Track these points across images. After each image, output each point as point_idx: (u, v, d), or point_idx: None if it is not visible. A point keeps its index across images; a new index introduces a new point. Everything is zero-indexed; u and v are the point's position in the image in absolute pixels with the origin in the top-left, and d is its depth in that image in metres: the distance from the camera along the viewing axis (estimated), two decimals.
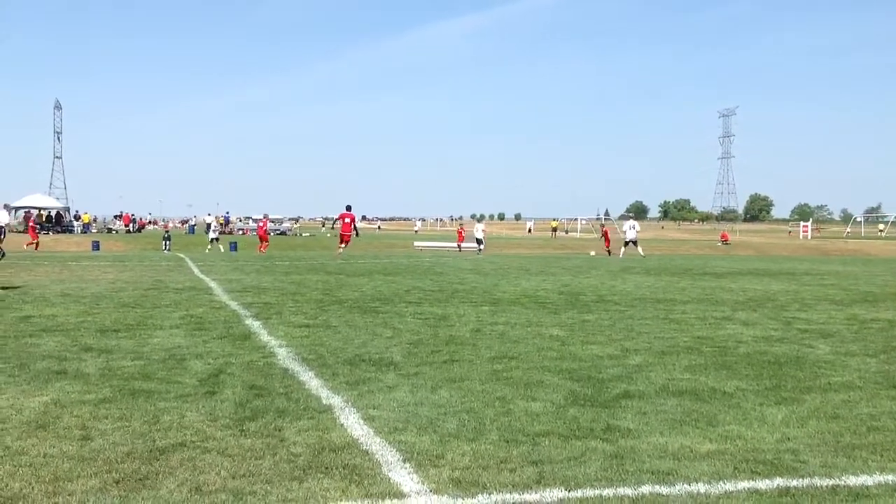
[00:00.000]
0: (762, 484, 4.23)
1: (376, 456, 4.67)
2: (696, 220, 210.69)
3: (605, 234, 43.81)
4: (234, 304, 12.56)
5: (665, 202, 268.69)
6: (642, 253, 36.54)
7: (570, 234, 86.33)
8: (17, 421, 5.37)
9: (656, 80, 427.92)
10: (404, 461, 4.57)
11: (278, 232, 70.90)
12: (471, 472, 4.38)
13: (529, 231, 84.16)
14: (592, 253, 40.62)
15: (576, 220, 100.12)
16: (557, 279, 19.54)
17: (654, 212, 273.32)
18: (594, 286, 17.46)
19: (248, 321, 10.54)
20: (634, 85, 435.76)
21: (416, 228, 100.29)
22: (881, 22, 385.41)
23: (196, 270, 21.00)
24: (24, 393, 6.19)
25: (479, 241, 40.72)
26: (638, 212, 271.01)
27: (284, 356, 7.91)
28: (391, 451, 4.76)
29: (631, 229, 37.86)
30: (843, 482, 4.27)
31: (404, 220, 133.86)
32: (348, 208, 32.51)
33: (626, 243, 37.04)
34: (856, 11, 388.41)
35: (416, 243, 48.87)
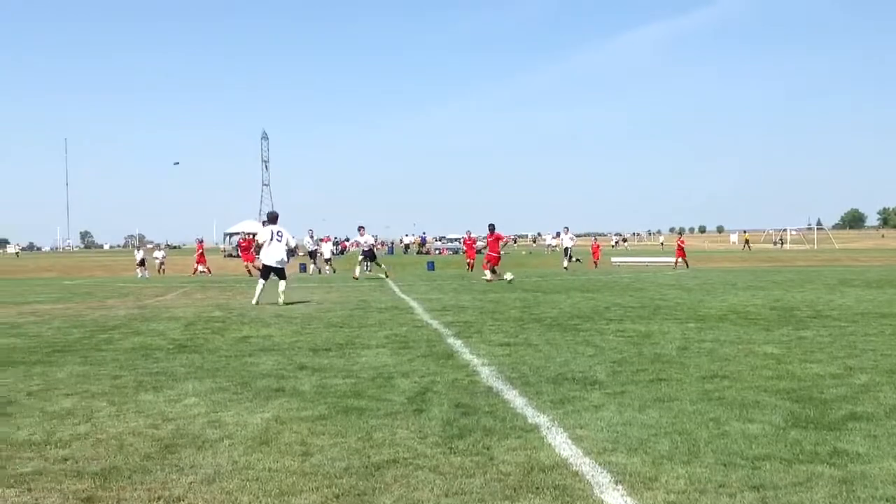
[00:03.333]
0: None
1: (587, 477, 4.55)
2: None
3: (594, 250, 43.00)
4: (435, 323, 12.77)
5: (885, 209, 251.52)
6: (566, 265, 36.20)
7: (776, 245, 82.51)
8: (242, 436, 5.64)
9: (868, 78, 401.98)
10: (616, 483, 4.44)
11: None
12: (687, 496, 4.19)
13: (747, 244, 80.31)
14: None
15: (784, 230, 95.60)
16: (768, 293, 18.66)
17: (873, 219, 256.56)
18: (809, 301, 16.53)
19: (450, 340, 10.67)
20: (849, 82, 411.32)
21: (612, 244, 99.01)
22: None
23: (397, 290, 21.59)
24: (247, 410, 6.51)
25: (566, 253, 38.21)
26: (854, 220, 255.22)
27: (488, 375, 7.92)
28: (602, 473, 4.63)
29: (569, 240, 38.32)
30: None
31: (599, 235, 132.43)
32: (492, 228, 27.50)
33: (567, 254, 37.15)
34: None
35: (613, 259, 48.15)
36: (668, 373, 7.92)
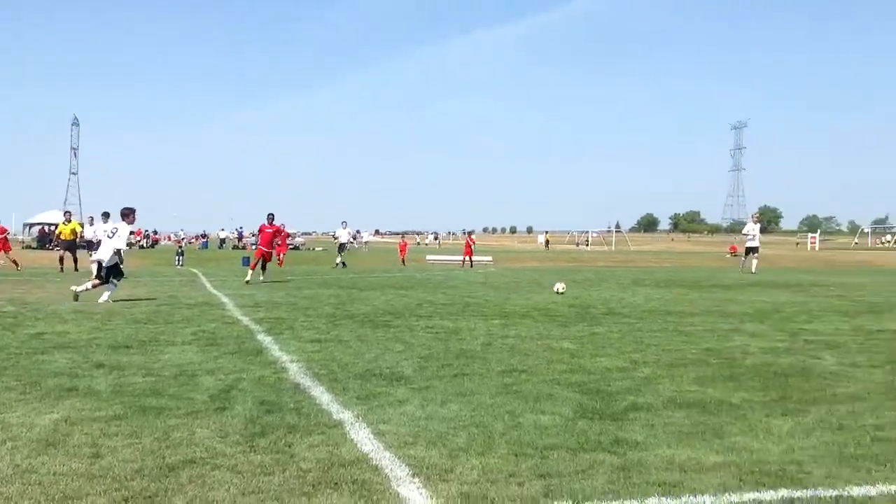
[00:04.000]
0: (767, 495, 4.28)
1: (386, 471, 4.72)
2: (705, 233, 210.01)
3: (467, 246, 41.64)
4: (246, 320, 12.63)
5: (675, 214, 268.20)
6: (338, 262, 36.19)
7: (579, 246, 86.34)
8: (27, 439, 5.42)
9: (668, 92, 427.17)
10: (413, 476, 4.62)
11: (291, 247, 71.23)
12: (479, 487, 4.43)
13: (547, 244, 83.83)
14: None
15: (587, 232, 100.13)
16: (567, 292, 19.56)
17: (665, 224, 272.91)
18: (604, 298, 17.50)
19: (260, 336, 10.61)
20: (645, 97, 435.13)
21: (426, 242, 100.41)
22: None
23: (209, 286, 21.12)
24: (34, 410, 6.23)
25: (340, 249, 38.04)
26: (648, 224, 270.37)
27: (296, 371, 7.96)
28: (401, 466, 4.80)
29: (346, 235, 39.37)
30: (846, 493, 4.31)
31: (417, 233, 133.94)
32: (271, 218, 24.04)
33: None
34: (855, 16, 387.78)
35: (428, 257, 48.95)
36: (471, 367, 8.23)
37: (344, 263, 35.83)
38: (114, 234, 16.59)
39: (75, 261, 29.53)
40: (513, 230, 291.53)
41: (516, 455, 5.04)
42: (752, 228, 31.33)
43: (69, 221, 30.95)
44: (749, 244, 31.11)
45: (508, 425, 5.81)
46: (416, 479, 4.56)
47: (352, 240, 39.21)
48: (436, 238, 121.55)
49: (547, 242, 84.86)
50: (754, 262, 30.51)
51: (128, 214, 16.81)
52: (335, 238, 43.37)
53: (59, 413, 6.14)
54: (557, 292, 18.52)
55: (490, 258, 46.96)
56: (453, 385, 7.29)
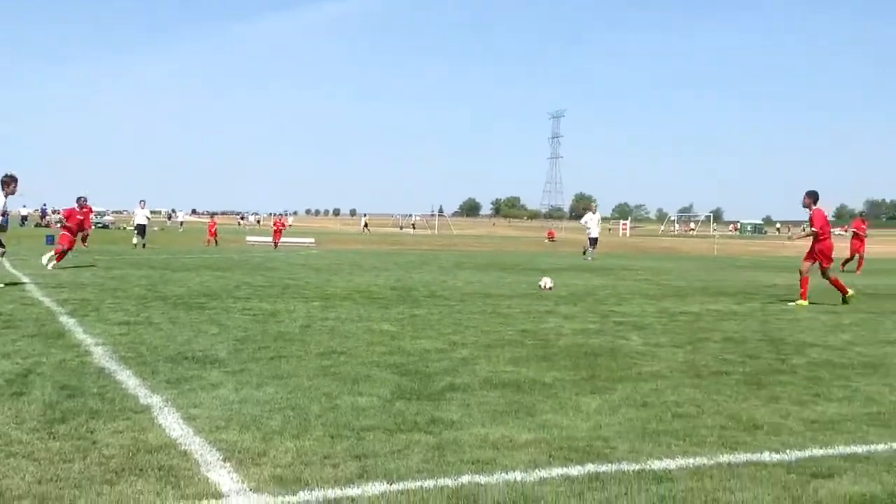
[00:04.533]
0: (574, 470, 4.41)
1: (195, 456, 4.54)
2: (525, 218, 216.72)
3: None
4: (47, 301, 11.92)
5: (497, 200, 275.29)
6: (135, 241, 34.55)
7: (404, 229, 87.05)
8: None
9: (490, 80, 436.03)
10: (224, 460, 4.47)
11: (99, 225, 68.01)
12: (293, 469, 4.34)
13: (366, 227, 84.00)
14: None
15: (410, 216, 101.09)
16: (390, 274, 19.67)
17: (487, 208, 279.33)
18: (426, 281, 17.68)
19: (63, 318, 10.04)
20: (470, 84, 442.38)
21: (245, 223, 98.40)
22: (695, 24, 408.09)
23: (7, 265, 19.77)
24: None
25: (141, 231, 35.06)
26: (471, 208, 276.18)
27: (100, 355, 7.57)
28: (211, 451, 4.64)
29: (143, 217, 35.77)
30: (648, 466, 4.51)
31: (237, 214, 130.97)
32: (82, 202, 24.35)
33: None
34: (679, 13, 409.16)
35: (248, 238, 47.92)
36: (289, 350, 8.10)
37: (143, 244, 34.02)
38: None
39: None
40: (336, 212, 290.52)
41: (332, 437, 4.98)
42: (591, 219, 31.96)
43: None
44: (591, 235, 31.87)
45: (325, 407, 5.74)
46: (228, 464, 4.42)
47: (147, 219, 36.28)
48: (257, 220, 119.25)
49: (366, 225, 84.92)
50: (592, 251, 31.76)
51: (8, 183, 14.23)
52: (132, 218, 41.14)
53: None
54: (544, 288, 15.94)
55: (312, 240, 46.56)
56: (270, 368, 7.15)
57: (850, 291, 14.36)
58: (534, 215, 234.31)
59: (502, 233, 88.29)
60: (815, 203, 14.30)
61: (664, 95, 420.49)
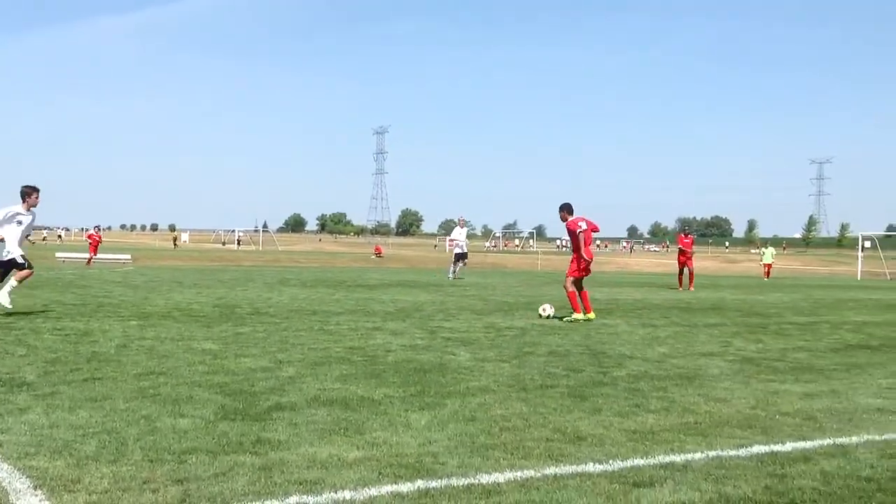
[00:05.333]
0: (404, 487, 4.40)
1: (3, 484, 4.26)
2: (352, 234, 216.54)
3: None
4: None
5: (322, 215, 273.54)
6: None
7: (227, 245, 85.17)
8: None
9: (313, 94, 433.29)
10: (35, 488, 4.21)
11: None
12: (110, 496, 4.12)
13: (175, 242, 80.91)
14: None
15: (234, 231, 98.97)
16: (213, 291, 19.15)
17: (312, 224, 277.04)
18: (251, 298, 17.32)
19: None
20: (289, 96, 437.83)
21: (43, 238, 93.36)
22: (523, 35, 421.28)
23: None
24: None
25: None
26: (296, 224, 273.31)
27: None
28: (20, 478, 4.35)
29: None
30: (477, 480, 4.55)
31: (45, 228, 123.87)
32: None
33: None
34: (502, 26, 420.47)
35: (58, 254, 45.41)
36: (104, 371, 7.73)
37: None
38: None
39: None
40: (154, 227, 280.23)
41: (151, 461, 4.77)
42: (460, 233, 29.64)
43: None
44: (457, 251, 29.30)
45: (144, 430, 5.50)
46: (39, 492, 4.15)
47: None
48: (64, 234, 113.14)
49: (175, 241, 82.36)
50: (460, 266, 29.26)
51: (29, 194, 12.98)
52: None
53: None
54: (543, 316, 14.45)
55: (129, 256, 44.69)
56: (83, 390, 6.79)
57: (580, 316, 13.88)
58: (360, 231, 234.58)
59: (329, 248, 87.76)
60: (570, 214, 14.51)
61: (488, 111, 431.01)
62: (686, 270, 27.17)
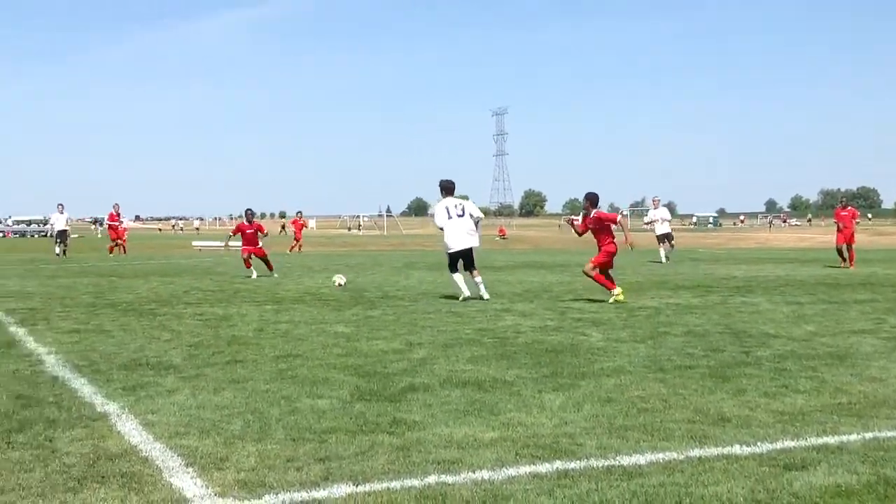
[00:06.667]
0: (542, 467, 4.40)
1: (157, 462, 4.47)
2: None
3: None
4: None
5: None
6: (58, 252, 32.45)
7: (352, 231, 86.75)
8: None
9: (428, 78, 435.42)
10: (186, 466, 4.41)
11: (42, 234, 66.78)
12: (257, 473, 4.29)
13: (283, 229, 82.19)
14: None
15: (358, 216, 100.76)
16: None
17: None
18: (378, 282, 17.63)
19: (12, 328, 9.85)
20: (407, 82, 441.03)
21: (180, 228, 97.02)
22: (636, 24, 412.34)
23: None
24: None
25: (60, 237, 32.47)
26: (419, 208, 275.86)
27: (53, 363, 7.44)
28: (172, 457, 4.57)
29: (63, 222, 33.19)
30: (617, 462, 4.49)
31: (181, 219, 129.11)
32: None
33: None
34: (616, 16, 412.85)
35: (194, 243, 47.29)
36: (244, 354, 8.02)
37: (65, 252, 31.86)
38: None
39: None
40: (282, 215, 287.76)
41: (294, 440, 4.93)
42: (657, 213, 27.59)
43: None
44: (659, 231, 27.00)
45: (285, 410, 5.69)
46: (190, 469, 4.35)
47: (68, 225, 33.35)
48: (200, 224, 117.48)
49: (283, 227, 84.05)
50: (662, 250, 26.67)
51: None
52: (51, 224, 37.52)
53: None
54: (337, 285, 16.26)
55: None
56: (226, 372, 7.08)
57: (618, 291, 13.31)
58: (484, 213, 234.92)
59: None
60: (594, 206, 13.91)
61: (610, 88, 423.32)
62: (846, 247, 23.52)
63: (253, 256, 19.74)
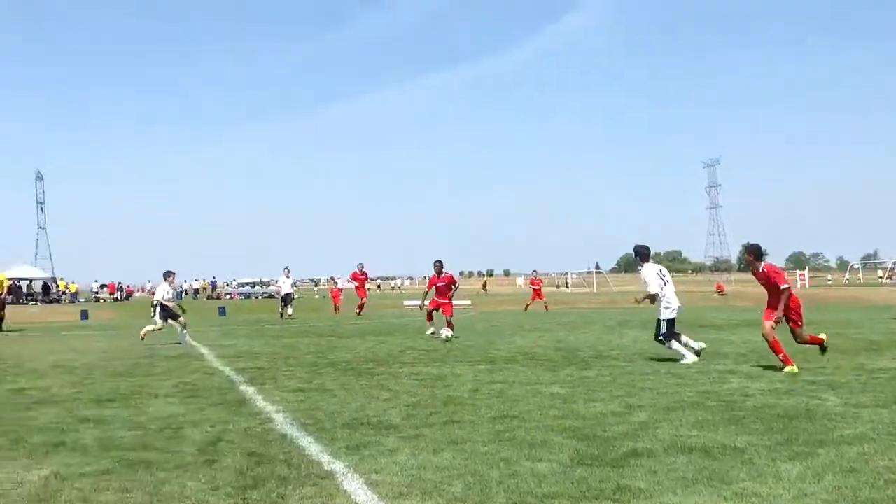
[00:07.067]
0: None
1: None
2: (689, 272, 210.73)
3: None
4: (227, 370, 12.40)
5: (656, 254, 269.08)
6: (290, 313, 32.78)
7: (560, 288, 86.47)
8: (18, 495, 5.24)
9: (637, 131, 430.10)
10: None
11: (266, 295, 71.04)
12: None
13: (485, 287, 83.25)
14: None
15: (566, 274, 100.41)
16: (553, 335, 19.42)
17: None
18: (591, 341, 17.34)
19: (243, 387, 10.40)
20: (615, 134, 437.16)
21: (392, 286, 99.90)
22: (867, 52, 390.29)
23: (187, 337, 20.80)
24: (23, 466, 6.06)
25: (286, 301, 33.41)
26: (628, 264, 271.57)
27: (282, 422, 7.76)
28: None
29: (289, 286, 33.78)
30: None
31: (391, 279, 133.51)
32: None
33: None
34: (842, 47, 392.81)
35: (406, 302, 48.66)
36: (460, 415, 8.05)
37: (288, 314, 32.40)
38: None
39: (1, 318, 26.86)
40: (490, 273, 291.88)
41: None
42: None
43: None
44: None
45: (505, 473, 5.62)
46: None
47: (294, 288, 34.19)
48: (409, 283, 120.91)
49: (484, 286, 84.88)
50: None
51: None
52: (278, 287, 38.11)
53: (48, 468, 5.96)
54: (444, 338, 17.24)
55: (469, 302, 46.80)
56: (444, 433, 7.11)
57: (823, 336, 12.07)
58: (699, 268, 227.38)
59: None
60: (759, 259, 12.04)
61: (827, 133, 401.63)
62: None
63: (438, 311, 19.14)
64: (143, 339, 18.85)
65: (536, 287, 40.39)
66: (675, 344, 13.09)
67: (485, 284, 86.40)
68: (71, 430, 7.55)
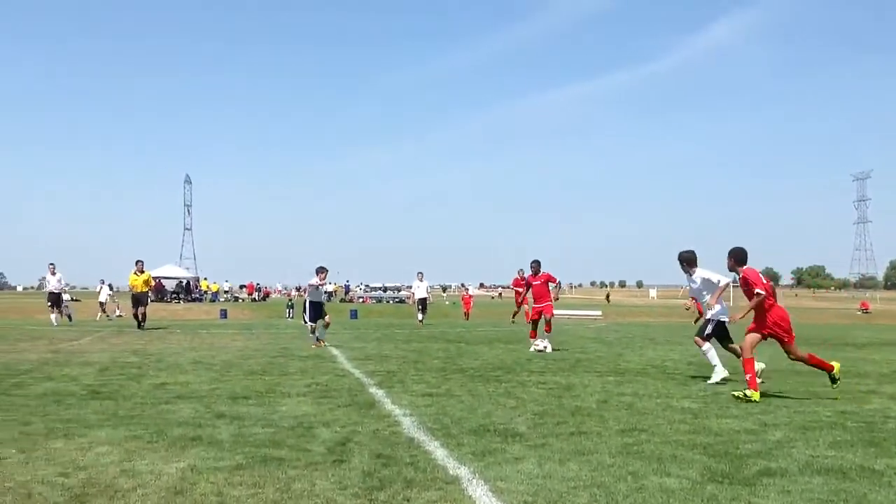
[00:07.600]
0: None
1: None
2: (832, 288, 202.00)
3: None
4: (357, 372, 12.68)
5: (798, 269, 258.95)
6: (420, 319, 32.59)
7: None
8: (156, 486, 5.47)
9: (781, 144, 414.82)
10: None
11: (397, 300, 72.32)
12: None
13: (608, 298, 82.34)
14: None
15: None
16: (685, 349, 18.99)
17: (787, 279, 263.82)
18: (725, 356, 16.84)
19: (372, 389, 10.60)
20: (756, 148, 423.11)
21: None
22: None
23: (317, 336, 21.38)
24: (162, 459, 6.33)
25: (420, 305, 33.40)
26: (770, 279, 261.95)
27: (409, 425, 7.88)
28: None
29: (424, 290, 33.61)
30: None
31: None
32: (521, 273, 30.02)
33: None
34: None
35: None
36: (588, 425, 7.98)
37: (418, 320, 32.95)
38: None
39: (144, 315, 26.75)
40: (622, 284, 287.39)
41: None
42: None
43: (141, 272, 27.19)
44: None
45: (632, 487, 5.54)
46: None
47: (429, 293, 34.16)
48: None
49: (608, 297, 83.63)
50: None
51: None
52: (412, 293, 38.08)
53: (185, 462, 6.21)
54: (542, 349, 17.44)
55: (599, 312, 46.29)
56: (570, 443, 7.06)
57: (835, 365, 10.80)
58: (842, 285, 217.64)
59: (806, 304, 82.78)
60: (740, 264, 11.03)
61: None
62: None
63: (539, 319, 18.34)
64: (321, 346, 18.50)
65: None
66: (712, 352, 12.53)
67: (608, 296, 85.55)
68: (207, 424, 7.87)
